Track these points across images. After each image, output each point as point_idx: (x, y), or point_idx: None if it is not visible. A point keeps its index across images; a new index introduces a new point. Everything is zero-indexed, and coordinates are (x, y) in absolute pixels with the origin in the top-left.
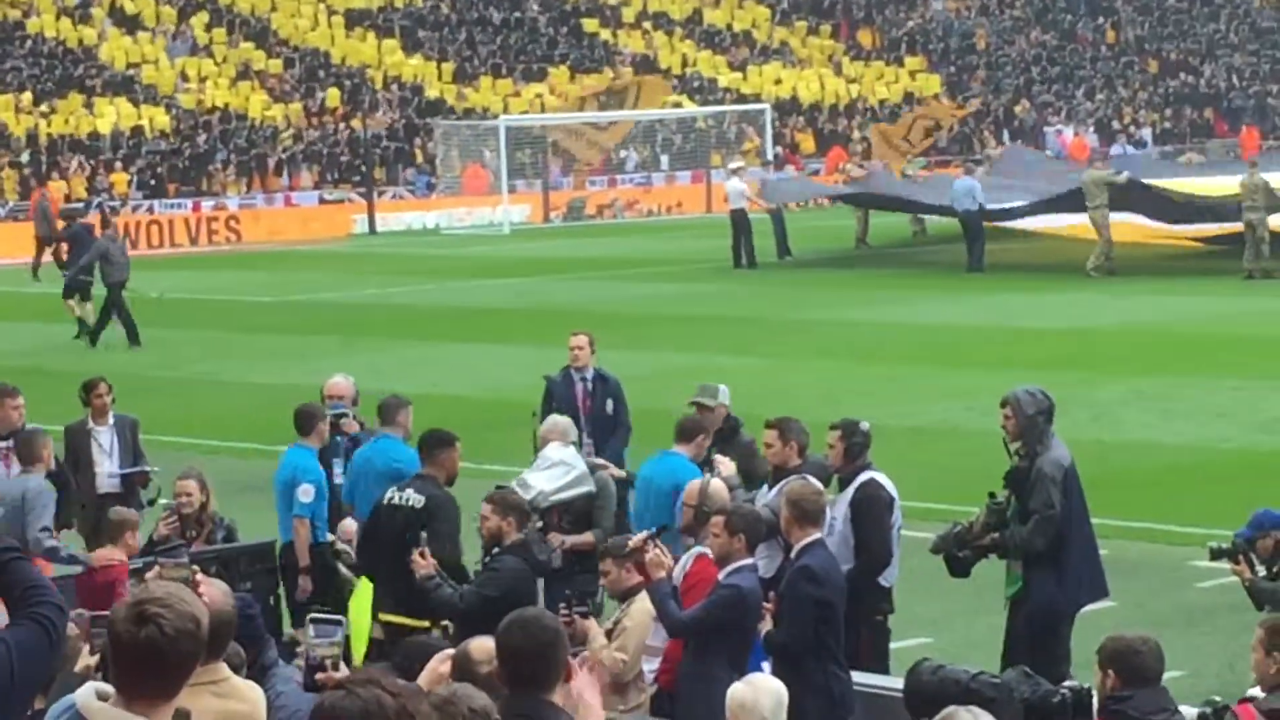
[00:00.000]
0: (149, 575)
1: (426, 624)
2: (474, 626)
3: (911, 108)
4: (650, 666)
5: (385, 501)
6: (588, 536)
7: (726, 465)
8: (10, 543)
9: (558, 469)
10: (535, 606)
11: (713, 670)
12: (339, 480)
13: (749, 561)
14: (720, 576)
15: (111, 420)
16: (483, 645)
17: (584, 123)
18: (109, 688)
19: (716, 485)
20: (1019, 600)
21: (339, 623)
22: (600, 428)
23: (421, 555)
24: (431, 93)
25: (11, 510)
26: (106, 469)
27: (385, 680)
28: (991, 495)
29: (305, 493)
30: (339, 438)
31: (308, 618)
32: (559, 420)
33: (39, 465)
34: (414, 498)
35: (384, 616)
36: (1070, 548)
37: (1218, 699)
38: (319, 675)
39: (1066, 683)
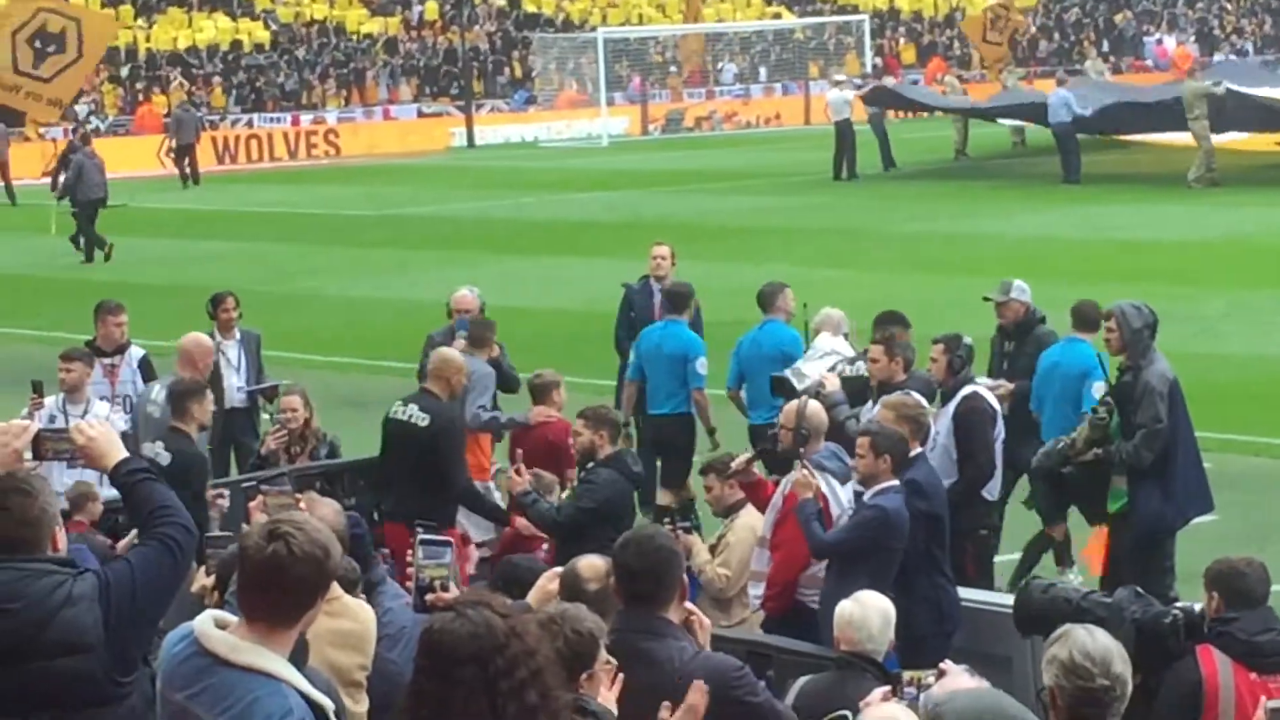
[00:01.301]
0: (253, 504)
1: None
2: (573, 540)
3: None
4: (755, 592)
5: (390, 416)
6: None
7: (832, 381)
8: (141, 463)
9: (830, 359)
10: (650, 525)
11: (851, 590)
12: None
13: (894, 482)
14: (866, 497)
15: (238, 335)
16: (591, 564)
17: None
18: (229, 616)
19: (814, 406)
20: (1123, 515)
21: (448, 543)
22: None
23: (518, 472)
24: (530, 5)
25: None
26: (234, 383)
27: (495, 601)
28: (1094, 410)
29: (702, 365)
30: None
31: (416, 539)
32: (832, 312)
33: (483, 351)
34: (418, 415)
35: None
36: (1176, 461)
37: None
38: (428, 596)
39: (1179, 604)
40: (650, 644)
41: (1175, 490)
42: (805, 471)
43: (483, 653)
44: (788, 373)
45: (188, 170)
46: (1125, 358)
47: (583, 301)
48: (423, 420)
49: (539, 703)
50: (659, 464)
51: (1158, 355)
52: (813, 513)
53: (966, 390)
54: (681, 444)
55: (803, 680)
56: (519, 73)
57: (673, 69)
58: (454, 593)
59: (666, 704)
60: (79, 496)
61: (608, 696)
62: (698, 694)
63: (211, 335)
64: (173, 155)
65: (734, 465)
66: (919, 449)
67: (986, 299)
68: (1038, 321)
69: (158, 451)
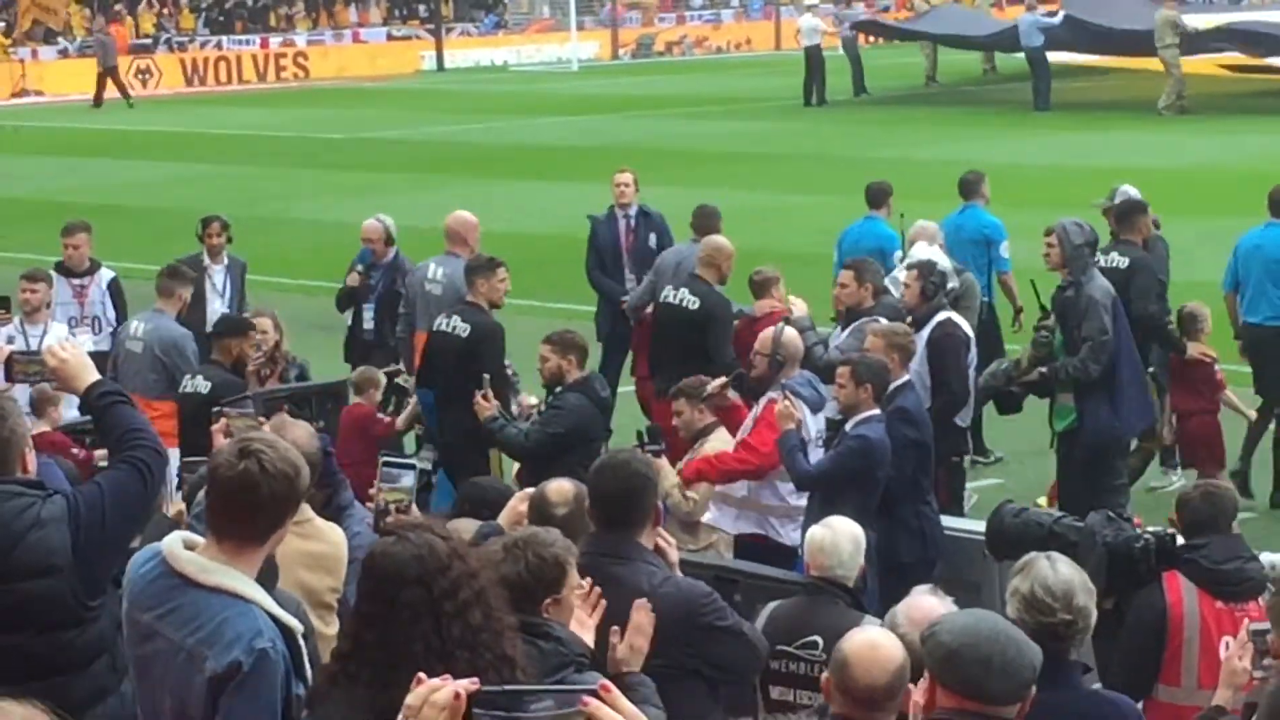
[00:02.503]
0: (215, 427)
1: None
2: (542, 464)
3: None
4: (717, 514)
5: (435, 328)
6: None
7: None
8: (112, 386)
9: None
10: (625, 449)
11: (836, 513)
12: (368, 325)
13: (876, 411)
14: (849, 426)
15: (225, 260)
16: (559, 487)
17: None
18: (197, 537)
19: (790, 333)
20: (1071, 433)
21: (410, 467)
22: (643, 263)
23: (485, 398)
24: None
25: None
26: (218, 307)
27: (437, 524)
28: (1037, 328)
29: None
30: (373, 279)
31: (380, 461)
32: (927, 224)
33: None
34: (460, 325)
35: None
36: (1121, 376)
37: None
38: (386, 519)
39: (1151, 528)
40: (620, 569)
41: (1122, 404)
42: (787, 402)
43: (425, 574)
44: (887, 281)
45: (130, 90)
46: (1066, 273)
47: (553, 226)
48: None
49: (483, 623)
50: None
51: (1096, 272)
52: (796, 443)
53: (940, 317)
54: None
55: (772, 605)
56: None
57: None
58: (415, 516)
59: (615, 629)
60: (40, 401)
61: (585, 622)
62: (641, 614)
63: (199, 258)
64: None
65: (709, 389)
66: (906, 376)
67: (1095, 205)
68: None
69: (198, 384)
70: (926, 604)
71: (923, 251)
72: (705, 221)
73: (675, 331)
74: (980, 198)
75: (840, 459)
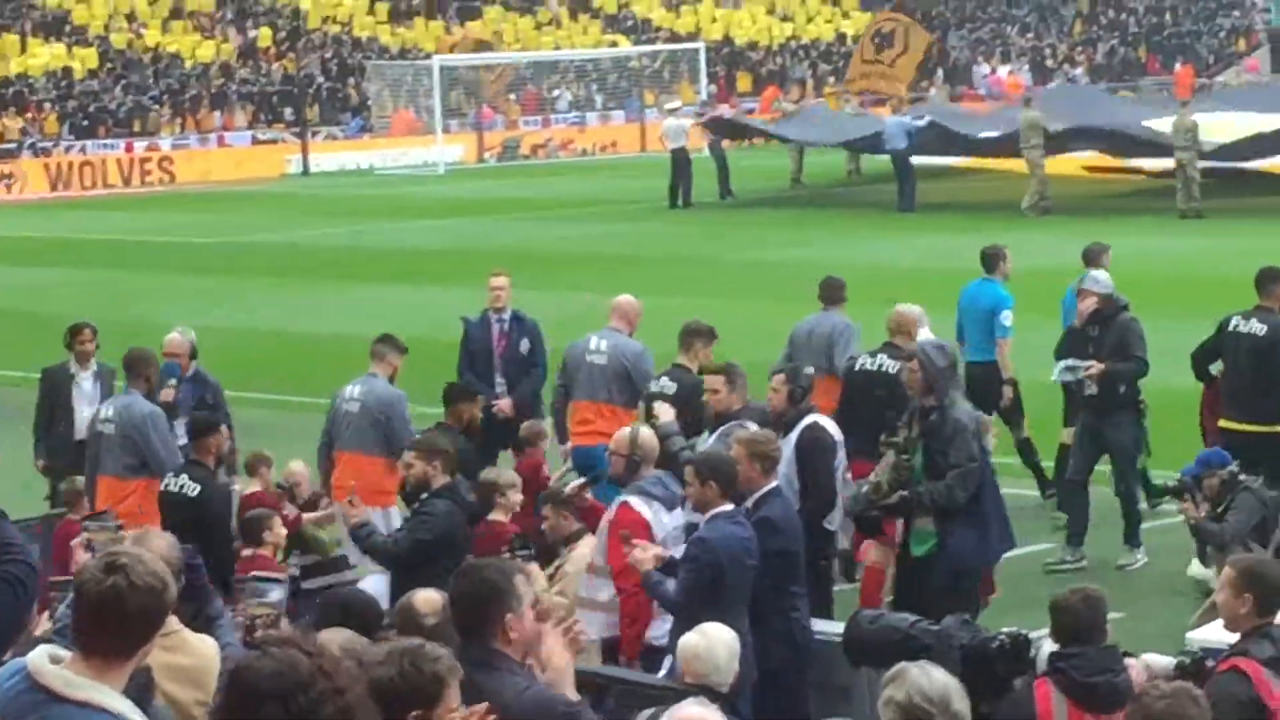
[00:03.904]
0: (75, 541)
1: None
2: (411, 571)
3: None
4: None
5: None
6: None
7: (665, 411)
8: None
9: None
10: (485, 558)
11: (699, 621)
12: (181, 440)
13: (727, 508)
14: (701, 524)
15: (94, 367)
16: (428, 598)
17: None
18: (63, 652)
19: (647, 433)
20: (929, 558)
21: (277, 581)
22: (514, 369)
23: (351, 503)
24: (365, 32)
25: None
26: (86, 415)
27: (304, 640)
28: (893, 449)
29: (1007, 317)
30: (180, 394)
31: (250, 575)
32: (912, 309)
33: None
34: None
35: None
36: (985, 499)
37: (1196, 650)
38: (254, 634)
39: (1005, 629)
40: (480, 676)
41: (989, 529)
42: (637, 552)
43: (285, 690)
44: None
45: None
46: (930, 397)
47: (421, 330)
48: (893, 368)
49: None
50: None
51: (959, 394)
52: (657, 579)
53: (807, 420)
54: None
55: (647, 713)
56: (354, 99)
57: (511, 96)
58: (285, 630)
59: None
60: (253, 461)
61: None
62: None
63: (66, 366)
64: None
65: (567, 492)
66: (771, 483)
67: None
68: (1121, 309)
69: (184, 483)
70: (689, 713)
71: (926, 337)
72: (832, 293)
73: (870, 395)
74: (1000, 273)
75: (691, 573)
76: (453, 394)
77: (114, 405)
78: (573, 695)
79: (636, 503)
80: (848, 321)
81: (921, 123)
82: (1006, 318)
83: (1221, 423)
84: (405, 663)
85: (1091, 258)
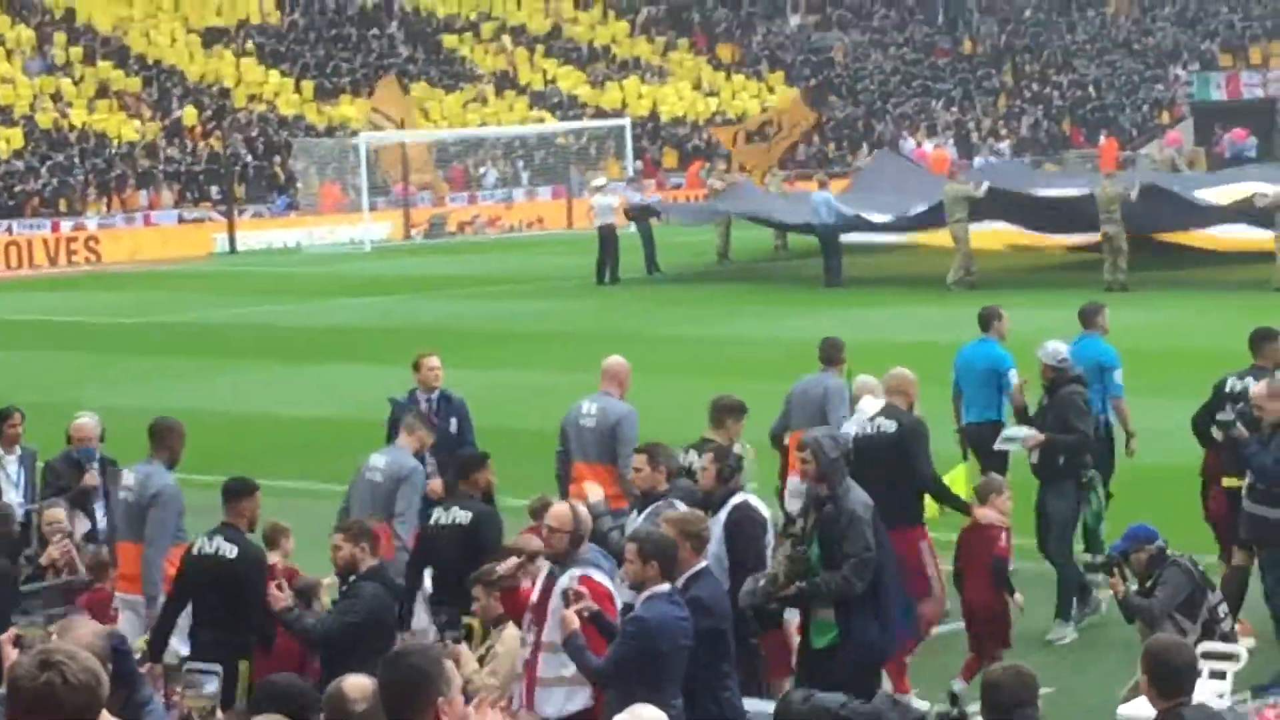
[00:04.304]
0: (3, 637)
1: None
2: (341, 656)
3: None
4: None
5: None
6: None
7: (595, 491)
8: None
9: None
10: (414, 642)
11: (633, 702)
12: (101, 524)
13: (665, 588)
14: (637, 604)
15: (19, 451)
16: (358, 683)
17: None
18: None
19: (584, 510)
20: (830, 649)
21: (214, 673)
22: (444, 448)
23: (279, 588)
24: (290, 110)
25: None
26: (14, 499)
27: None
28: (790, 540)
29: (1119, 375)
30: (96, 484)
31: (184, 668)
32: (869, 379)
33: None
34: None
35: None
36: (885, 587)
37: None
38: None
39: (937, 707)
40: None
41: (889, 617)
42: (565, 612)
43: None
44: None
45: None
46: (824, 488)
47: (348, 409)
48: (890, 428)
49: None
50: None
51: (852, 483)
52: (581, 644)
53: (736, 499)
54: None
55: None
56: (280, 178)
57: (439, 173)
58: None
59: None
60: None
61: None
62: None
63: None
64: None
65: (500, 571)
66: (701, 563)
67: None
68: (1071, 380)
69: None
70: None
71: (870, 405)
72: (832, 353)
73: (876, 458)
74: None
75: (623, 648)
76: (467, 464)
77: (134, 474)
78: None
79: (598, 575)
80: (841, 382)
81: (848, 212)
82: (1118, 375)
83: (1225, 481)
84: None
85: (1088, 317)
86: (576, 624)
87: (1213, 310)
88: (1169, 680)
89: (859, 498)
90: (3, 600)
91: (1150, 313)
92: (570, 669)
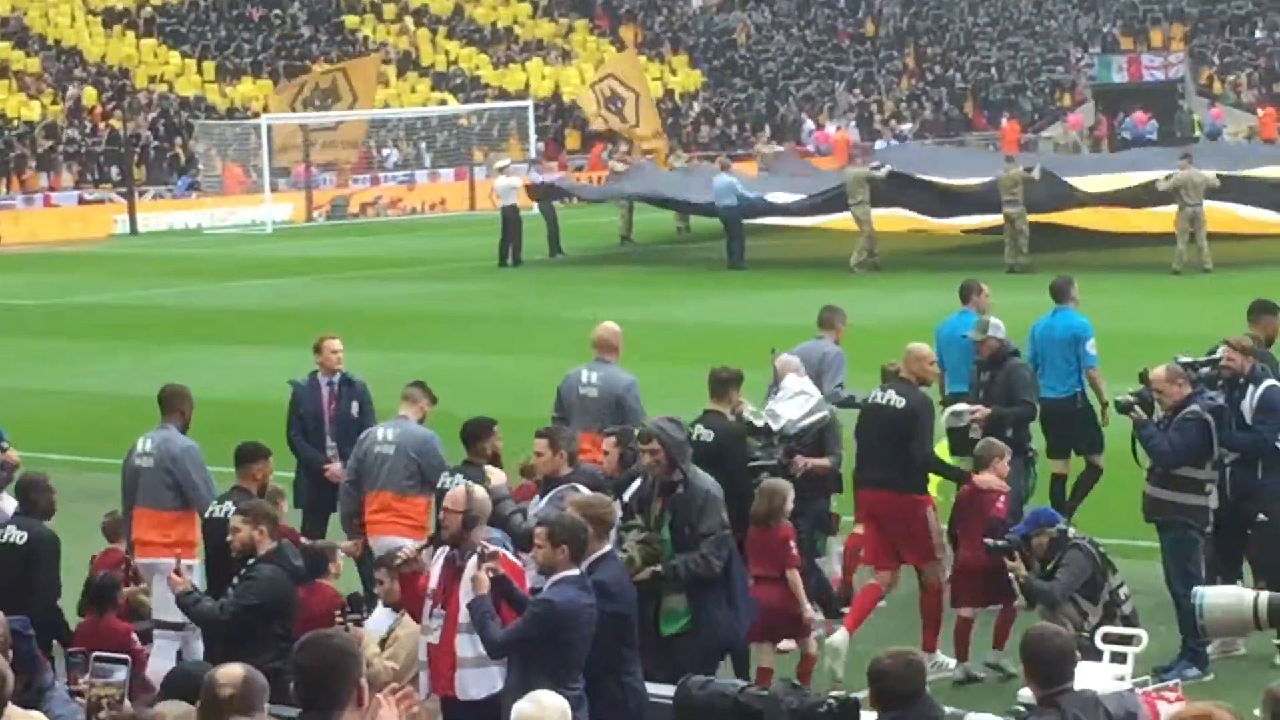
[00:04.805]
0: None
1: None
2: (237, 637)
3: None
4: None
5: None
6: (824, 461)
7: (497, 475)
8: None
9: (800, 398)
10: (329, 628)
11: (534, 684)
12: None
13: (573, 572)
14: (545, 588)
15: None
16: (229, 671)
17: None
18: None
19: (482, 492)
20: (681, 635)
21: (122, 661)
22: (345, 431)
23: (177, 572)
24: (191, 91)
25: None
26: None
27: (152, 718)
28: (638, 528)
29: (1092, 345)
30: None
31: (92, 656)
32: (791, 357)
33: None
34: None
35: None
36: (735, 570)
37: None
38: (99, 715)
39: (834, 693)
40: None
41: (737, 604)
42: (481, 572)
43: None
44: (764, 414)
45: None
46: (675, 472)
47: (249, 391)
48: (899, 403)
49: None
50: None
51: (696, 467)
52: (487, 610)
53: (639, 483)
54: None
55: None
56: (182, 159)
57: (343, 155)
58: (128, 709)
59: None
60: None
61: None
62: None
63: None
64: None
65: (401, 555)
66: (605, 547)
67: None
68: (1011, 354)
69: (229, 510)
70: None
71: (795, 383)
72: (829, 318)
73: (884, 428)
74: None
75: (525, 625)
76: (473, 430)
77: (151, 440)
78: None
79: (510, 555)
80: (839, 350)
81: (752, 196)
82: (1091, 345)
83: None
84: None
85: (1061, 290)
86: (487, 586)
87: (1113, 292)
88: (1046, 668)
89: (707, 478)
90: None
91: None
92: (475, 650)
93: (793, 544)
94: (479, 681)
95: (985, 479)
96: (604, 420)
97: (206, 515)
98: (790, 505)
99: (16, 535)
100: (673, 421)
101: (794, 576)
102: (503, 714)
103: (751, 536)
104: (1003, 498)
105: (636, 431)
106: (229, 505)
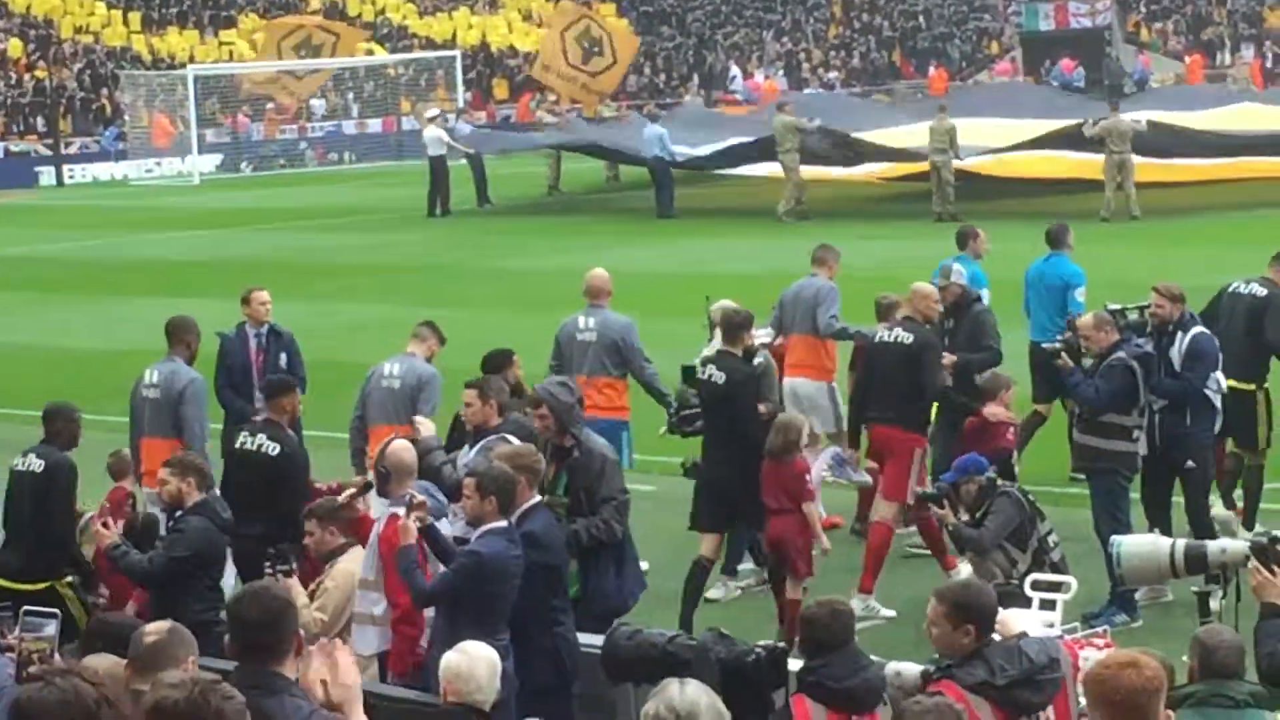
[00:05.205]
0: None
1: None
2: (169, 590)
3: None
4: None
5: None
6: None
7: (426, 426)
8: None
9: None
10: (265, 580)
11: (462, 636)
12: None
13: (502, 524)
14: (473, 539)
15: None
16: (157, 624)
17: (281, 72)
18: None
19: (396, 446)
20: (575, 602)
21: (53, 615)
22: None
23: (105, 525)
24: (118, 42)
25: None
26: None
27: (85, 670)
28: (552, 491)
29: (1081, 294)
30: None
31: (22, 610)
32: (727, 304)
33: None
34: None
35: None
36: (627, 538)
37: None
38: (29, 669)
39: (762, 642)
40: (264, 700)
41: (625, 569)
42: (405, 521)
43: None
44: (697, 361)
45: None
46: (567, 437)
47: None
48: (907, 339)
49: None
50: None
51: (589, 431)
52: (413, 560)
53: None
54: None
55: None
56: (108, 110)
57: (268, 105)
58: (57, 663)
59: None
60: None
61: None
62: None
63: None
64: None
65: (340, 499)
66: (534, 498)
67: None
68: (974, 301)
69: (262, 442)
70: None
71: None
72: (823, 255)
73: (891, 366)
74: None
75: (454, 576)
76: (493, 362)
77: (158, 371)
78: (360, 718)
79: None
80: (832, 284)
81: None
82: (1079, 294)
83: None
84: (195, 690)
85: (1057, 237)
86: (414, 536)
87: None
88: (990, 619)
89: (601, 441)
90: None
91: None
92: (379, 608)
93: (809, 477)
94: (365, 638)
95: (993, 410)
96: (602, 363)
97: (237, 446)
98: (806, 439)
99: (35, 464)
100: (562, 385)
101: (810, 508)
102: (430, 664)
103: (766, 470)
104: (1012, 429)
105: (540, 397)
106: (262, 437)
